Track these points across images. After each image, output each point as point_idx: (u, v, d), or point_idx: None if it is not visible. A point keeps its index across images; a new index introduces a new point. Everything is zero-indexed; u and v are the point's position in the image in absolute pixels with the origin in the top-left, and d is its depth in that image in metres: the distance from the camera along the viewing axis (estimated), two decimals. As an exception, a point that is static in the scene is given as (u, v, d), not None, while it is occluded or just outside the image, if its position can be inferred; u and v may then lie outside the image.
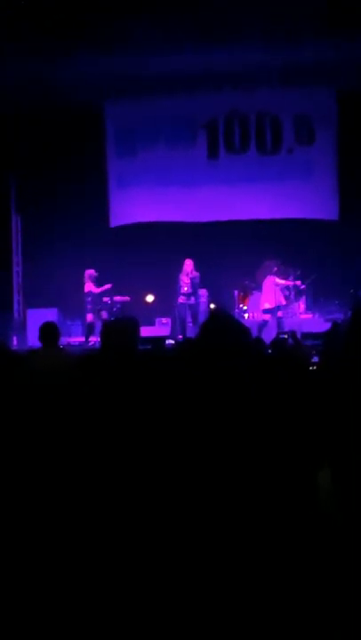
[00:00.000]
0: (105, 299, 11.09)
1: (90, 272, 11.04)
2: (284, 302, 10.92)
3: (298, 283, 11.19)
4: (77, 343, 10.86)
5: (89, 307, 10.97)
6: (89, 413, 2.28)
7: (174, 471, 1.92)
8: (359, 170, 11.76)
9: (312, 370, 4.26)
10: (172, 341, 9.94)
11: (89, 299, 10.96)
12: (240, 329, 2.19)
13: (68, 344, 10.31)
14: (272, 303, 10.72)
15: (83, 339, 11.06)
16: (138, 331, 2.89)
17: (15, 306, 12.84)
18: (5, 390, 2.42)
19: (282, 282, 10.86)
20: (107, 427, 2.17)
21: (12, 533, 1.99)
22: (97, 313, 10.92)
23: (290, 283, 11.03)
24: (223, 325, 2.18)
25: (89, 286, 10.98)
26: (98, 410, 2.29)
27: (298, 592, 1.81)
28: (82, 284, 11.12)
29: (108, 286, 11.00)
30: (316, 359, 5.40)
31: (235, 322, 2.26)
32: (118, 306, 11.17)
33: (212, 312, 10.83)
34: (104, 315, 10.93)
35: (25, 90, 11.49)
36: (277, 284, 10.77)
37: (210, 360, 2.09)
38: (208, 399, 2.04)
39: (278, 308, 10.77)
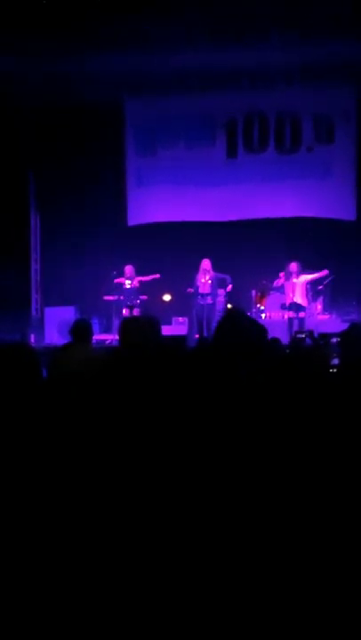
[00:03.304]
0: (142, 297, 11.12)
1: (128, 268, 11.06)
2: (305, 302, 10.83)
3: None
4: (95, 341, 10.90)
5: (128, 302, 10.98)
6: (104, 409, 2.30)
7: (183, 474, 1.93)
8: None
9: (332, 372, 4.21)
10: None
11: (121, 296, 10.98)
12: (257, 328, 2.18)
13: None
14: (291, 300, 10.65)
15: (101, 336, 11.12)
16: (157, 329, 2.89)
17: (33, 304, 12.90)
18: (34, 387, 2.44)
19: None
20: (115, 424, 2.18)
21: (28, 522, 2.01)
22: (131, 309, 10.94)
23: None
24: (239, 325, 2.17)
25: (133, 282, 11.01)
26: (111, 406, 2.31)
27: (299, 593, 1.80)
28: (100, 282, 11.17)
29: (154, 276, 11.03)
30: (336, 361, 5.35)
31: (251, 321, 2.25)
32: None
33: (227, 311, 10.81)
34: (135, 312, 10.95)
35: (45, 88, 11.56)
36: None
37: (225, 361, 2.09)
38: (221, 401, 2.04)
39: (299, 307, 10.65)
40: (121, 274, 11.12)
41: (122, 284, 11.04)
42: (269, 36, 10.58)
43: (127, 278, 11.00)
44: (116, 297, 11.09)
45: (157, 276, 11.02)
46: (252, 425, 2.01)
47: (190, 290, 10.85)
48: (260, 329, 2.21)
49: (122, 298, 11.03)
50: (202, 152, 12.35)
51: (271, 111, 12.19)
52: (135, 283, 11.02)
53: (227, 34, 10.53)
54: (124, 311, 10.95)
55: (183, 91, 12.06)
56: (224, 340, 2.15)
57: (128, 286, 11.00)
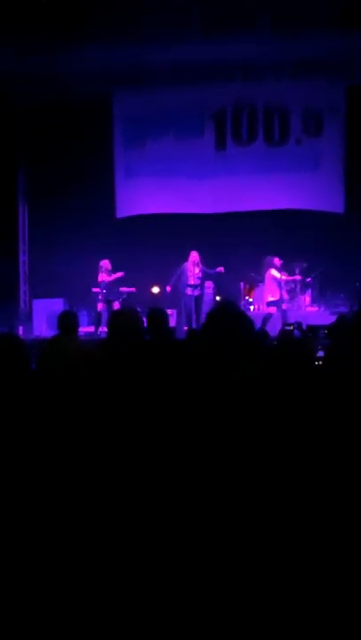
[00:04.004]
0: (120, 289, 11.09)
1: (104, 262, 11.04)
2: (286, 296, 10.91)
3: (297, 277, 11.14)
4: (84, 333, 10.87)
5: (100, 297, 10.95)
6: (97, 400, 2.31)
7: (178, 468, 1.93)
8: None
9: (318, 364, 4.22)
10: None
11: (103, 290, 10.94)
12: (243, 318, 2.19)
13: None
14: (276, 296, 10.69)
15: (90, 329, 11.08)
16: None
17: (21, 296, 12.85)
18: (22, 378, 2.44)
19: (280, 276, 10.78)
20: (110, 415, 2.18)
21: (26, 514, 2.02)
22: (109, 303, 10.91)
23: (289, 278, 10.98)
24: (226, 314, 2.19)
25: (102, 276, 10.97)
26: (104, 397, 2.31)
27: (299, 593, 1.80)
28: (89, 274, 11.13)
29: (119, 274, 11.01)
30: (321, 354, 5.36)
31: (239, 311, 2.26)
32: (124, 296, 11.19)
33: (218, 302, 10.85)
34: (115, 305, 10.91)
35: (34, 81, 11.49)
36: (274, 277, 10.72)
37: (213, 348, 2.10)
38: (211, 390, 2.04)
39: (282, 300, 10.74)
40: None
41: (104, 279, 11.01)
42: (259, 30, 10.57)
43: (103, 272, 10.99)
44: (100, 290, 11.07)
45: (121, 274, 10.96)
46: (246, 417, 2.02)
47: (168, 288, 10.88)
48: (247, 319, 2.22)
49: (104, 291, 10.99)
50: (190, 144, 12.30)
51: (260, 104, 12.17)
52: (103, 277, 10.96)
53: (217, 26, 10.50)
54: (98, 306, 10.93)
55: (172, 83, 12.01)
56: (216, 330, 2.16)
57: (107, 279, 10.98)
